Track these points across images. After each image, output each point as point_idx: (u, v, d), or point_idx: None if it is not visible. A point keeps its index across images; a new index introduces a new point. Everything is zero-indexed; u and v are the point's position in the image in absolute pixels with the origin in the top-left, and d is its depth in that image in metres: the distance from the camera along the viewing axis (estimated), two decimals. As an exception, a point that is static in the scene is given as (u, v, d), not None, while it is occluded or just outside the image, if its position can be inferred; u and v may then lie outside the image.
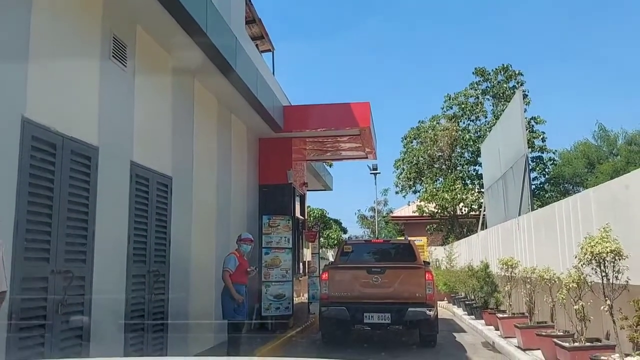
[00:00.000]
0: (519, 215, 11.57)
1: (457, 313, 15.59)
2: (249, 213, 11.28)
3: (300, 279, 12.69)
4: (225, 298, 7.17)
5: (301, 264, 13.16)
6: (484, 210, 18.14)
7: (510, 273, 10.37)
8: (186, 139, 8.04)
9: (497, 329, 10.68)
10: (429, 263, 11.27)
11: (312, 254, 14.44)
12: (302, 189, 13.79)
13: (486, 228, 16.67)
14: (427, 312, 9.19)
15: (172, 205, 7.27)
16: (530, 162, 13.05)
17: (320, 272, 10.12)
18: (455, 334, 11.68)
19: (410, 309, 9.15)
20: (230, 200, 10.03)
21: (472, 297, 13.89)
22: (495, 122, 25.10)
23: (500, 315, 10.40)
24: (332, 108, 11.66)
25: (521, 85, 28.59)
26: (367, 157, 14.82)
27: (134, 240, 6.20)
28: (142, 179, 6.47)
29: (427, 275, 9.37)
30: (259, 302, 10.73)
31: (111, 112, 5.85)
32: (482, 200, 27.37)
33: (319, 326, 9.92)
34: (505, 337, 9.77)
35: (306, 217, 13.97)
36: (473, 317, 13.52)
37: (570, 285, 6.71)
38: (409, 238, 11.40)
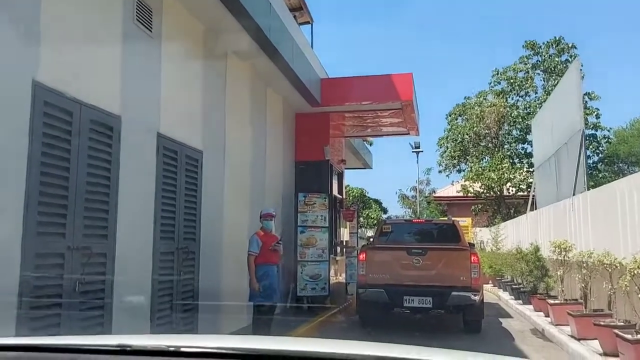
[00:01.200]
0: (573, 195, 10.74)
1: (503, 297, 14.91)
2: (284, 190, 10.92)
3: (337, 259, 12.30)
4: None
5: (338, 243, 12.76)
6: (534, 190, 17.19)
7: (564, 257, 9.64)
8: (218, 111, 7.67)
9: (547, 315, 10.03)
10: (473, 245, 10.65)
11: (350, 233, 13.99)
12: (340, 167, 13.32)
13: (536, 209, 15.78)
14: (472, 297, 8.63)
15: (203, 181, 6.94)
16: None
17: (358, 252, 9.68)
18: (501, 320, 11.07)
19: (453, 293, 8.61)
20: (264, 177, 9.67)
21: (520, 281, 13.18)
22: (546, 97, 23.83)
23: (551, 301, 9.72)
24: (372, 80, 11.07)
25: (574, 58, 27.00)
26: (408, 134, 14.16)
27: (161, 215, 5.90)
28: (169, 152, 6.14)
29: (472, 258, 8.78)
30: (294, 283, 10.41)
31: (135, 79, 5.51)
32: (531, 180, 26.20)
33: (356, 309, 9.52)
34: (557, 325, 9.12)
35: (344, 196, 13.53)
36: (520, 302, 12.85)
37: (636, 272, 6.03)
38: (453, 218, 10.80)
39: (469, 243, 10.05)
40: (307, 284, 10.43)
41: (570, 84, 11.66)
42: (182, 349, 1.47)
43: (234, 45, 7.80)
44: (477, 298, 8.71)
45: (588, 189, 10.38)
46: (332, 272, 12.35)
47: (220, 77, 7.77)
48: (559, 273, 9.74)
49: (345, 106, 11.50)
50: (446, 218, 12.08)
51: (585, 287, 8.55)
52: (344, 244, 13.37)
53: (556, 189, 13.22)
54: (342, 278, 12.98)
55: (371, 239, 11.19)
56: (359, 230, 26.41)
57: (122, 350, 1.47)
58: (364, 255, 9.06)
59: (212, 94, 7.47)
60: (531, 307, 11.60)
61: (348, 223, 13.95)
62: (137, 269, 5.44)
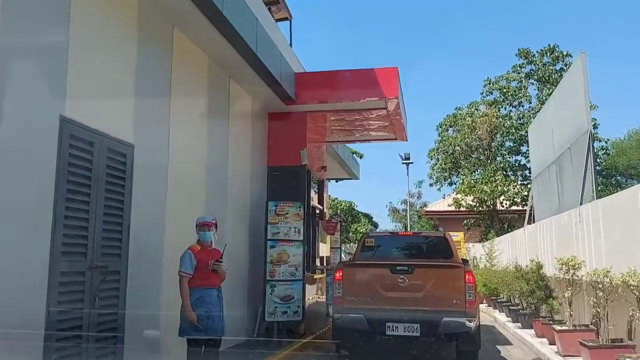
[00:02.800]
0: (581, 204, 9.48)
1: (500, 319, 13.57)
2: (253, 198, 9.55)
3: (316, 277, 10.93)
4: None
5: (317, 259, 11.36)
6: (532, 202, 15.95)
7: (572, 275, 8.35)
8: (159, 98, 6.34)
9: (552, 343, 8.71)
10: (468, 261, 9.35)
11: (331, 248, 12.60)
12: (320, 174, 12.00)
13: (534, 222, 14.53)
14: (467, 323, 7.28)
15: (134, 181, 5.58)
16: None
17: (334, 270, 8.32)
18: (499, 347, 9.72)
19: (445, 319, 7.26)
20: (226, 182, 8.32)
21: (519, 301, 11.88)
22: (541, 107, 22.77)
23: (558, 327, 8.39)
24: (352, 75, 9.80)
25: (569, 67, 26.05)
26: (396, 139, 12.90)
27: (64, 224, 4.51)
28: (81, 142, 4.78)
29: (467, 277, 7.44)
30: (262, 306, 9.01)
31: (17, 34, 4.17)
32: (525, 193, 25.04)
33: (332, 337, 8.13)
34: (565, 356, 7.78)
35: (326, 207, 12.18)
36: (519, 325, 11.53)
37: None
38: (444, 231, 9.51)
39: (462, 259, 8.75)
40: (277, 307, 9.02)
41: (575, 81, 10.47)
42: None
43: (179, 19, 6.51)
44: (472, 324, 7.35)
45: (597, 197, 9.12)
46: (315, 291, 10.97)
47: (161, 55, 6.44)
48: (566, 294, 8.42)
49: (324, 105, 10.20)
50: (437, 231, 10.61)
51: (599, 312, 7.25)
52: (325, 260, 12.00)
53: (557, 199, 11.98)
54: (323, 298, 11.57)
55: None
56: (347, 246, 24.99)
57: None
58: (340, 273, 7.69)
59: (150, 76, 6.14)
60: (532, 331, 10.29)
61: (330, 237, 12.60)
62: (21, 296, 4.04)
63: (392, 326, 7.29)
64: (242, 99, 9.18)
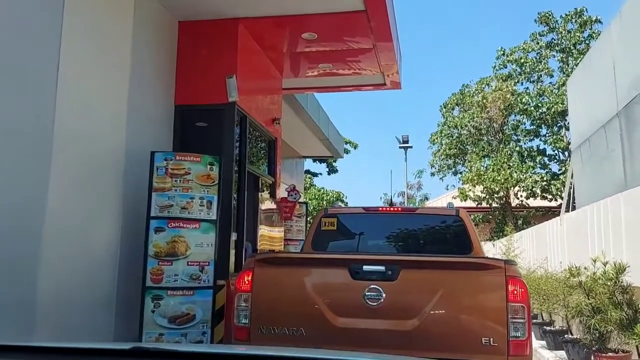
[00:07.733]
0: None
1: (528, 343, 9.67)
2: (134, 152, 5.63)
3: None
4: None
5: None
6: (570, 183, 12.00)
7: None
8: None
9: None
10: (505, 259, 5.49)
11: (286, 240, 8.61)
12: (272, 129, 8.10)
13: (572, 209, 10.62)
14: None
15: None
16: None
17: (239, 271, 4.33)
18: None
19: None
20: (51, 114, 4.43)
21: (557, 319, 8.00)
22: (565, 79, 18.90)
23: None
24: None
25: (598, 35, 22.13)
26: (384, 84, 9.01)
27: None
28: None
29: (512, 288, 3.54)
30: (138, 333, 5.13)
31: None
32: (544, 183, 21.17)
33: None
34: None
35: (279, 178, 8.14)
36: (563, 354, 7.67)
37: None
38: (459, 207, 5.53)
39: (493, 258, 4.89)
40: (163, 334, 5.13)
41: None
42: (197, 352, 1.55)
43: None
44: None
45: None
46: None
47: None
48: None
49: (263, 3, 6.32)
50: (446, 207, 6.25)
51: None
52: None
53: (622, 170, 8.09)
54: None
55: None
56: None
57: (138, 353, 1.48)
58: (249, 277, 3.76)
59: None
60: (591, 371, 6.44)
61: (287, 222, 8.68)
62: None
63: (351, 394, 3.40)
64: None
